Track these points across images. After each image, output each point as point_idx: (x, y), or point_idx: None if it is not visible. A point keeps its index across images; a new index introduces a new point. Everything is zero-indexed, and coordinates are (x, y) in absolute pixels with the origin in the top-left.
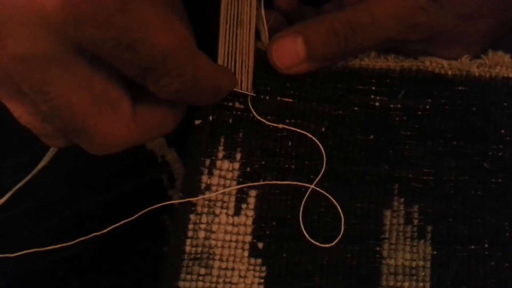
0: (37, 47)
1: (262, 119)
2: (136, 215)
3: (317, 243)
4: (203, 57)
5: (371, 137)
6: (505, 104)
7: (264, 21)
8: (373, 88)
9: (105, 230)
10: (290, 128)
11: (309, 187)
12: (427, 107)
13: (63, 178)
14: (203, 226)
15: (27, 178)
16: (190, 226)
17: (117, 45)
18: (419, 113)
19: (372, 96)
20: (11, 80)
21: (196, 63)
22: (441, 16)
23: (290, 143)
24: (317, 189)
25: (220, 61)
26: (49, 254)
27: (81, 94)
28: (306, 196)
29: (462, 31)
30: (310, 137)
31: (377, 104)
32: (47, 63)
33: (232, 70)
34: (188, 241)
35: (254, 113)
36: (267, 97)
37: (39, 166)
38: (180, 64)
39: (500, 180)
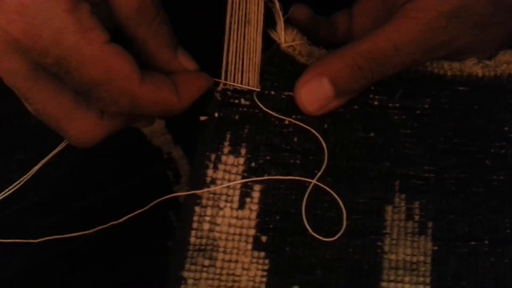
0: (12, 64)
1: (268, 111)
2: (146, 208)
3: (319, 237)
4: (146, 86)
5: (372, 134)
6: (510, 101)
7: (281, 13)
8: (372, 87)
9: (121, 219)
10: (296, 122)
11: (312, 182)
12: (426, 106)
13: (69, 173)
14: (207, 218)
15: (33, 170)
16: (195, 218)
17: (58, 70)
18: (418, 112)
19: (371, 95)
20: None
21: (133, 92)
22: (460, 30)
23: (295, 139)
24: (319, 184)
25: (228, 61)
26: (54, 247)
27: (53, 101)
28: (308, 191)
29: (480, 40)
30: (314, 133)
31: (376, 103)
32: (22, 76)
33: (240, 67)
34: (193, 233)
35: (261, 106)
36: (273, 93)
37: (46, 159)
38: (112, 93)
39: (502, 178)
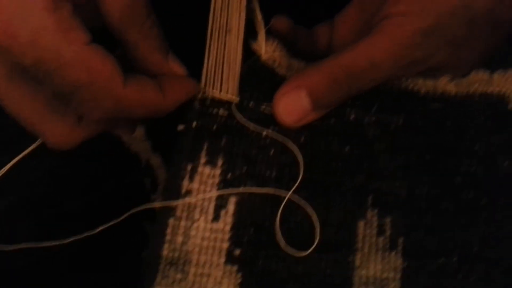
0: None
1: (246, 123)
2: (120, 218)
3: (292, 252)
4: (130, 86)
5: (347, 148)
6: (482, 119)
7: (262, 24)
8: (349, 102)
9: (95, 231)
10: (273, 135)
11: (286, 196)
12: (400, 121)
13: (45, 177)
14: (181, 230)
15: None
16: (169, 230)
17: (36, 72)
18: (392, 127)
19: (348, 109)
20: None
21: (117, 93)
22: (435, 48)
23: (272, 151)
24: (294, 197)
25: (208, 69)
26: (27, 255)
27: (28, 105)
28: (283, 204)
29: (454, 58)
30: (290, 146)
31: (352, 117)
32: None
33: (219, 77)
34: (166, 245)
35: (238, 117)
36: (252, 105)
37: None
38: (95, 96)
39: (471, 196)
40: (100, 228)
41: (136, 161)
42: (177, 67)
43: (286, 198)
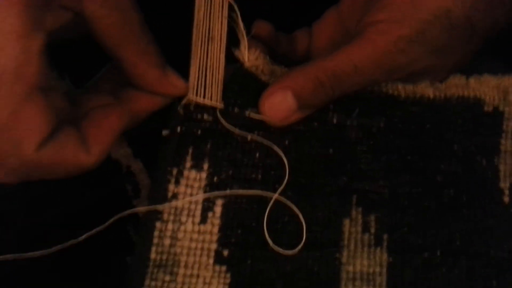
0: None
1: (231, 128)
2: (105, 225)
3: (280, 250)
4: (45, 150)
5: (330, 151)
6: (459, 121)
7: (244, 32)
8: (331, 106)
9: (80, 238)
10: (258, 139)
11: (273, 197)
12: (381, 125)
13: (23, 188)
14: (168, 233)
15: None
16: (156, 234)
17: None
18: (374, 130)
19: (330, 113)
20: None
21: (26, 158)
22: (418, 54)
23: (257, 155)
24: (281, 198)
25: (192, 76)
26: (9, 265)
27: None
28: (270, 205)
29: (434, 64)
30: (276, 149)
31: (334, 121)
32: None
33: (203, 84)
34: (154, 248)
35: (223, 122)
36: (236, 110)
37: None
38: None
39: (451, 193)
40: (84, 236)
41: (117, 167)
42: (177, 81)
43: (273, 199)
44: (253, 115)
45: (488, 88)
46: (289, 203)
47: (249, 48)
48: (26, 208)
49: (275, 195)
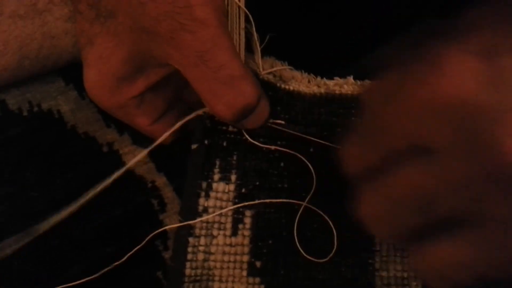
0: None
1: (255, 142)
2: (141, 244)
3: (312, 259)
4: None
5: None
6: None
7: (258, 43)
8: (353, 111)
9: (123, 259)
10: (282, 149)
11: (301, 204)
12: None
13: (50, 206)
14: (202, 248)
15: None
16: (189, 249)
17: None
18: None
19: (353, 119)
20: None
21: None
22: None
23: (282, 164)
24: (310, 206)
25: None
26: (39, 284)
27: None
28: (299, 213)
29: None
30: (300, 157)
31: None
32: None
33: None
34: (188, 264)
35: (247, 136)
36: None
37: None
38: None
39: None
40: (126, 257)
41: (141, 183)
42: (248, 124)
43: (302, 207)
44: (275, 125)
45: None
46: (317, 210)
47: (263, 57)
48: (56, 228)
49: (304, 203)
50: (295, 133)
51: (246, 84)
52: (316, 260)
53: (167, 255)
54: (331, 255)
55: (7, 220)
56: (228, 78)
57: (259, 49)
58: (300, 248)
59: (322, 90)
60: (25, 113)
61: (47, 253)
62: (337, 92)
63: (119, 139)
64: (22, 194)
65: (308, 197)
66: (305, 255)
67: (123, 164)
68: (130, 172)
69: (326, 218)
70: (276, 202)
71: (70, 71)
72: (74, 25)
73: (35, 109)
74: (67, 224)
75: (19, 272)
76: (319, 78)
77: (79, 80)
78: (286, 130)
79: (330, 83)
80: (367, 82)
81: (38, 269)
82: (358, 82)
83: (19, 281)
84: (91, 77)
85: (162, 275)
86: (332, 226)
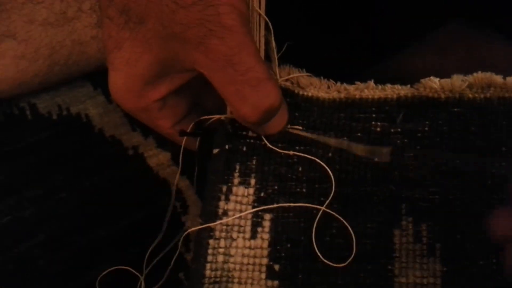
0: None
1: (273, 147)
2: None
3: (330, 263)
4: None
5: (375, 159)
6: (504, 123)
7: (275, 51)
8: (374, 115)
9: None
10: (300, 154)
11: (320, 209)
12: (426, 129)
13: (77, 208)
14: (221, 250)
15: None
16: (210, 251)
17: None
18: (419, 135)
19: (373, 123)
20: None
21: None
22: None
23: (300, 168)
24: (328, 210)
25: None
26: (66, 283)
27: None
28: (318, 218)
29: None
30: (319, 162)
31: (378, 129)
32: None
33: None
34: (208, 265)
35: (266, 142)
36: None
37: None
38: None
39: (501, 197)
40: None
41: (165, 185)
42: (269, 130)
43: (321, 211)
44: (293, 130)
45: None
46: (337, 215)
47: (280, 64)
48: (82, 226)
49: (323, 208)
50: (312, 136)
51: (271, 86)
52: (334, 265)
53: (188, 256)
54: (349, 260)
55: (36, 221)
56: (255, 80)
57: (276, 57)
58: (318, 253)
59: (342, 95)
60: (54, 117)
61: (74, 253)
62: (357, 96)
63: (144, 142)
64: (51, 196)
65: (327, 201)
66: (323, 259)
67: (147, 166)
68: (154, 175)
69: (345, 223)
70: (295, 206)
71: (98, 76)
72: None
73: (64, 113)
74: (93, 225)
75: (44, 271)
76: (339, 84)
77: (106, 85)
78: (304, 134)
79: (351, 88)
80: (388, 86)
81: (66, 268)
82: (379, 86)
83: (46, 279)
84: (117, 80)
85: (184, 276)
86: (351, 231)
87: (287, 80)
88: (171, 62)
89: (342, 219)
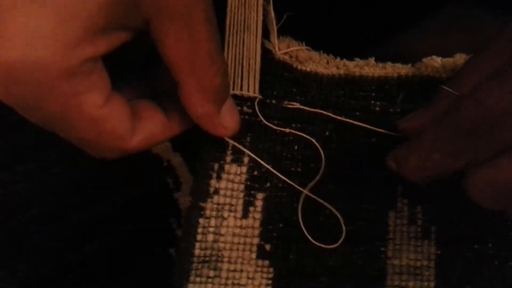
0: None
1: (269, 124)
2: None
3: (320, 245)
4: (138, 140)
5: (373, 140)
6: None
7: (274, 22)
8: (373, 94)
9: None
10: (297, 133)
11: (305, 191)
12: None
13: (71, 184)
14: (212, 229)
15: None
16: (199, 230)
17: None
18: None
19: (373, 102)
20: None
21: (124, 149)
22: None
23: (296, 147)
24: (310, 194)
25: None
26: (58, 259)
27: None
28: (301, 200)
29: None
30: (313, 142)
31: (377, 109)
32: None
33: (239, 74)
34: (197, 245)
35: (262, 118)
36: (274, 102)
37: None
38: (101, 150)
39: None
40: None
41: (157, 162)
42: (227, 122)
43: (303, 195)
44: (291, 106)
45: None
46: (318, 198)
47: (279, 36)
48: (75, 202)
49: (305, 191)
50: (308, 108)
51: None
52: (325, 246)
53: (180, 233)
54: (340, 241)
55: (29, 195)
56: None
57: (275, 28)
58: (307, 234)
59: (342, 72)
60: None
61: (68, 228)
62: (357, 73)
63: None
64: (43, 170)
65: (311, 184)
66: (313, 241)
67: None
68: (146, 151)
69: (328, 206)
70: (283, 186)
71: None
72: None
73: None
74: (87, 201)
75: (39, 246)
76: (338, 59)
77: None
78: (302, 107)
79: (350, 64)
80: (389, 64)
81: (58, 243)
82: (380, 64)
83: (39, 254)
84: (40, 22)
85: (174, 252)
86: (337, 213)
87: (285, 53)
88: (128, 7)
89: (323, 202)
